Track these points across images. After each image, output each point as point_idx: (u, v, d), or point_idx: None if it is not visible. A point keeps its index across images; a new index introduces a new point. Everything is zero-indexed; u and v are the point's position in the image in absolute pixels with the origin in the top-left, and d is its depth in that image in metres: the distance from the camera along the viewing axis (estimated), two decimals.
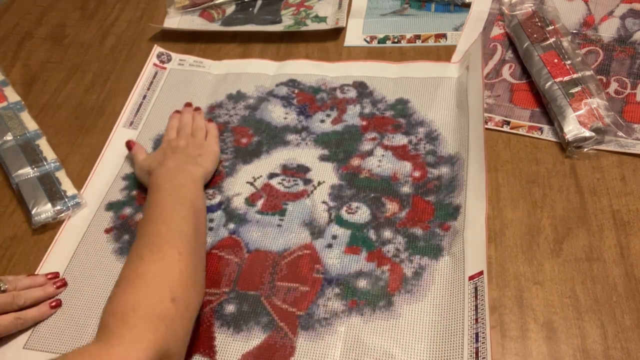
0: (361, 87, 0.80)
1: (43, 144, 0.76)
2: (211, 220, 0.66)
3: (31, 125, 0.79)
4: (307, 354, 0.54)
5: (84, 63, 0.91)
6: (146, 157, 0.71)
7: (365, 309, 0.57)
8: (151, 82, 0.84)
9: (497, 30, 0.84)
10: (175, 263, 0.52)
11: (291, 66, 0.84)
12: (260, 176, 0.71)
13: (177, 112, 0.77)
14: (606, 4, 0.82)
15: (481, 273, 0.54)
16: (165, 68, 0.86)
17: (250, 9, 0.96)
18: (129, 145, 0.73)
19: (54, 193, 0.70)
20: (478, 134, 0.65)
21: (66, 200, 0.70)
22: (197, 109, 0.78)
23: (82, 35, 0.97)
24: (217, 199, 0.69)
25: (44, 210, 0.68)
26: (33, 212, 0.68)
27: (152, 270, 0.51)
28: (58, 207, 0.69)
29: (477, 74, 0.71)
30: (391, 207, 0.65)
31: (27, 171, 0.73)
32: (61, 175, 0.73)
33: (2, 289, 0.58)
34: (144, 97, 0.82)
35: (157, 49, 0.88)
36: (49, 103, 0.85)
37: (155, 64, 0.86)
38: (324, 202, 0.67)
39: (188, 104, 0.79)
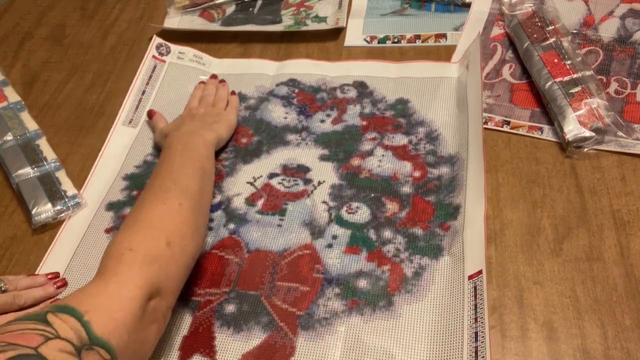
0: (361, 87, 0.80)
1: (43, 144, 0.76)
2: (211, 220, 0.66)
3: (31, 125, 0.79)
4: (307, 354, 0.54)
5: (84, 63, 0.91)
6: (166, 124, 0.75)
7: (366, 309, 0.57)
8: (150, 77, 0.84)
9: (497, 30, 0.84)
10: (174, 212, 0.55)
11: (291, 66, 0.84)
12: (261, 176, 0.71)
13: (202, 82, 0.82)
14: (606, 4, 0.82)
15: (480, 272, 0.54)
16: (164, 61, 0.86)
17: (250, 9, 0.96)
18: (150, 114, 0.78)
19: (54, 193, 0.70)
20: (477, 133, 0.65)
21: (66, 200, 0.70)
22: (222, 81, 0.82)
23: (82, 35, 0.97)
24: (217, 199, 0.69)
25: (44, 210, 0.69)
26: (33, 212, 0.68)
27: (151, 217, 0.54)
28: (58, 207, 0.69)
29: (476, 73, 0.71)
30: (391, 207, 0.65)
31: (27, 171, 0.73)
32: (61, 175, 0.73)
33: (2, 289, 0.58)
34: (143, 92, 0.82)
35: (156, 39, 0.87)
36: (49, 103, 0.85)
37: (154, 56, 0.86)
38: (324, 202, 0.67)
39: (213, 76, 0.84)
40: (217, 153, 0.73)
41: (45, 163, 0.74)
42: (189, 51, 0.87)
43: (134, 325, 0.46)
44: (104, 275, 0.48)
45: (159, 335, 0.51)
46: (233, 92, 0.81)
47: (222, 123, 0.73)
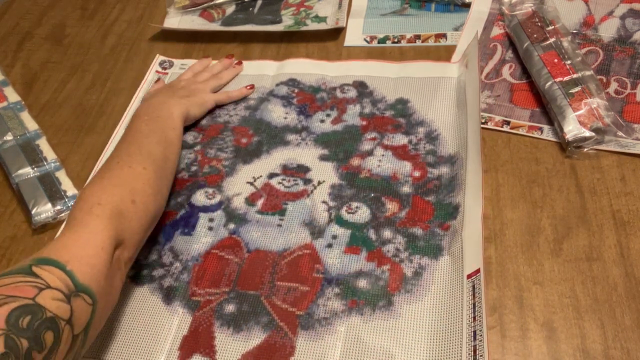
0: (361, 87, 0.80)
1: (43, 144, 0.76)
2: (211, 220, 0.66)
3: (31, 125, 0.79)
4: (307, 354, 0.54)
5: (84, 63, 0.91)
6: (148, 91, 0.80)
7: (365, 309, 0.57)
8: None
9: (497, 30, 0.84)
10: (138, 175, 0.59)
11: (291, 65, 0.84)
12: (260, 176, 0.71)
13: (208, 58, 0.87)
14: (606, 4, 0.83)
15: (478, 271, 0.54)
16: (167, 73, 0.86)
17: (250, 9, 0.96)
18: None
19: (54, 193, 0.70)
20: (475, 132, 0.65)
21: (66, 200, 0.70)
22: (239, 63, 0.85)
23: (82, 35, 0.97)
24: (217, 198, 0.69)
25: (44, 210, 0.69)
26: (33, 212, 0.68)
27: (118, 176, 0.58)
28: (58, 207, 0.69)
29: (474, 72, 0.71)
30: (391, 207, 0.65)
31: (27, 171, 0.73)
32: (61, 175, 0.73)
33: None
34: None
35: (159, 57, 0.88)
36: (49, 103, 0.85)
37: (157, 72, 0.87)
38: (324, 202, 0.67)
39: (230, 56, 0.86)
40: (188, 128, 0.76)
41: (45, 163, 0.74)
42: (190, 62, 0.88)
43: (107, 271, 0.50)
44: (74, 226, 0.51)
45: (122, 283, 0.54)
46: (252, 86, 0.82)
47: (194, 100, 0.75)
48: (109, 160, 0.62)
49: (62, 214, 0.69)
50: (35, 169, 0.73)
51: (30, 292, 0.43)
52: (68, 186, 0.71)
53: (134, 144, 0.64)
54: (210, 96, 0.78)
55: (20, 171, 0.73)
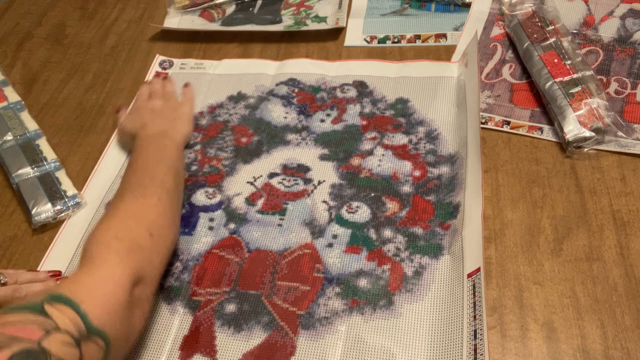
0: (361, 87, 0.80)
1: (43, 144, 0.76)
2: (211, 220, 0.66)
3: (31, 125, 0.79)
4: (307, 353, 0.54)
5: (84, 63, 0.91)
6: (126, 118, 0.76)
7: (366, 308, 0.57)
8: None
9: (497, 30, 0.84)
10: (153, 206, 0.58)
11: (291, 65, 0.84)
12: (261, 176, 0.71)
13: (147, 82, 0.82)
14: (606, 4, 0.83)
15: (478, 270, 0.54)
16: (167, 73, 0.86)
17: (250, 9, 0.96)
18: (118, 109, 0.78)
19: (54, 193, 0.70)
20: (475, 131, 0.66)
21: (66, 200, 0.70)
22: (166, 76, 0.83)
23: (82, 35, 0.97)
24: (217, 198, 0.69)
25: (44, 210, 0.68)
26: (33, 212, 0.68)
27: (133, 209, 0.57)
28: (58, 207, 0.69)
29: (473, 72, 0.71)
30: (391, 206, 0.65)
31: (27, 171, 0.73)
32: (61, 175, 0.73)
33: (2, 281, 0.58)
34: None
35: (159, 57, 0.88)
36: (49, 103, 0.85)
37: (157, 72, 0.87)
38: (324, 202, 0.67)
39: (158, 74, 0.85)
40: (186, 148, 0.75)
41: (45, 163, 0.74)
42: (190, 61, 0.88)
43: (124, 312, 0.47)
44: (91, 262, 0.50)
45: (144, 322, 0.53)
46: (186, 85, 0.81)
47: (183, 120, 0.74)
48: (121, 191, 0.61)
49: (62, 214, 0.69)
50: (35, 169, 0.73)
51: (36, 334, 0.40)
52: (68, 186, 0.71)
53: (147, 174, 0.62)
54: (188, 108, 0.77)
55: (20, 171, 0.73)
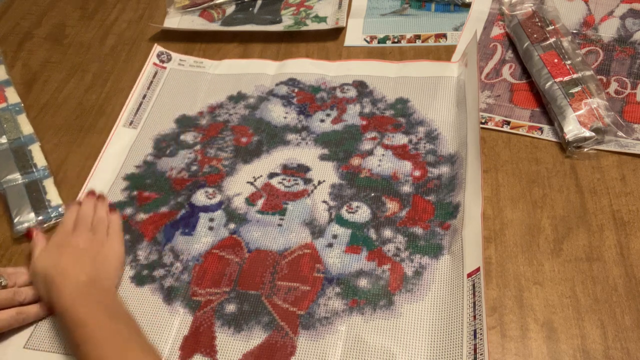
0: (361, 87, 0.80)
1: (35, 150, 0.75)
2: (211, 220, 0.66)
3: (27, 129, 0.78)
4: (308, 353, 0.54)
5: (84, 63, 0.91)
6: (40, 254, 0.61)
7: (366, 308, 0.57)
8: (151, 82, 0.84)
9: (497, 30, 0.84)
10: None
11: (291, 65, 0.84)
12: (261, 176, 0.71)
13: (77, 202, 0.67)
14: (606, 4, 0.83)
15: (478, 270, 0.54)
16: (165, 68, 0.86)
17: (250, 9, 0.96)
18: (29, 234, 0.65)
19: (38, 202, 0.69)
20: (475, 130, 0.66)
21: (49, 210, 0.68)
22: (100, 197, 0.68)
23: (82, 35, 0.97)
24: (217, 198, 0.69)
25: (26, 220, 0.67)
26: (15, 221, 0.67)
27: None
28: (41, 217, 0.68)
29: (473, 72, 0.71)
30: (391, 206, 0.65)
31: (16, 177, 0.72)
32: (48, 184, 0.71)
33: (2, 284, 0.57)
34: (144, 96, 0.82)
35: (157, 48, 0.88)
36: (49, 103, 0.85)
37: (155, 64, 0.86)
38: (324, 202, 0.67)
39: (91, 193, 0.68)
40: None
41: (34, 170, 0.73)
42: (189, 58, 0.88)
43: None
44: None
45: None
46: (112, 209, 0.67)
47: (111, 262, 0.61)
48: None
49: (45, 225, 0.67)
50: (24, 175, 0.72)
51: None
52: (53, 196, 0.70)
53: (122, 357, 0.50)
54: (118, 244, 0.63)
55: (9, 177, 0.72)
